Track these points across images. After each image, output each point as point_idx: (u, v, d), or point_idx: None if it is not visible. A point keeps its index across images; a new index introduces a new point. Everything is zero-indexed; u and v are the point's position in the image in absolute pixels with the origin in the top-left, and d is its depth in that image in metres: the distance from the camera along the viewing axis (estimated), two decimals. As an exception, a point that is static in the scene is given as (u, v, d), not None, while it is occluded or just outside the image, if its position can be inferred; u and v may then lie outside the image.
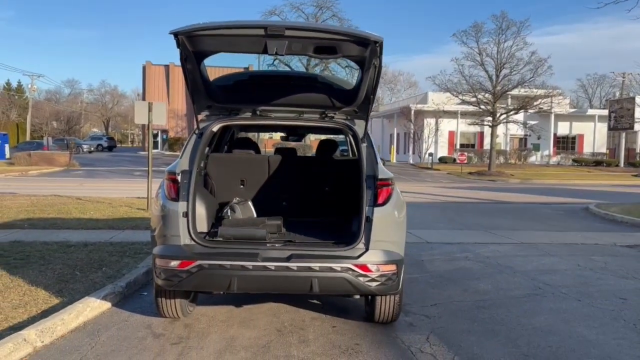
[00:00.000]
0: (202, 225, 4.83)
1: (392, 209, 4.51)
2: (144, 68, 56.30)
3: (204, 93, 4.85)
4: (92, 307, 5.22)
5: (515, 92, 37.59)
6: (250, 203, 5.43)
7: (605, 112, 47.56)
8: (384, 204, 4.47)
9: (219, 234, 4.61)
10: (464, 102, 37.74)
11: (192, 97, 4.75)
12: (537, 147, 47.22)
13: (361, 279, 4.29)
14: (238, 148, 6.04)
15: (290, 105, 5.00)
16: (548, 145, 46.60)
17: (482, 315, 5.50)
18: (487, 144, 43.07)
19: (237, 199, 5.45)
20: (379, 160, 4.68)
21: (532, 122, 39.22)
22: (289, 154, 6.07)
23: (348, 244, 4.40)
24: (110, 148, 62.69)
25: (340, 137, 7.29)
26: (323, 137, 7.70)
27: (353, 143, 5.68)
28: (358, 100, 4.82)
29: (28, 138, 62.55)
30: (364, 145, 4.75)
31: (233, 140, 6.70)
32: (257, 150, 6.37)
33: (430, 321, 5.27)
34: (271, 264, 4.25)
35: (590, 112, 50.28)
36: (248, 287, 4.43)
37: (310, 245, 4.52)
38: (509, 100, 39.39)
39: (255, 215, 5.39)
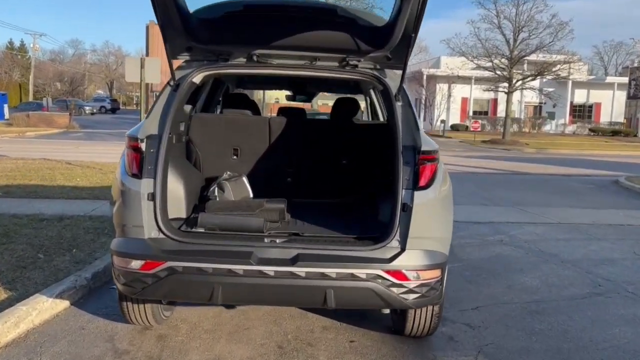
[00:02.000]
0: (180, 210, 3.64)
1: (438, 193, 3.29)
2: (147, 27, 54.76)
3: (180, 29, 3.54)
4: (41, 309, 4.06)
5: (532, 57, 35.89)
6: (244, 179, 4.20)
7: (625, 79, 45.68)
8: (427, 186, 3.24)
9: (199, 222, 3.40)
10: (478, 67, 36.08)
11: (164, 34, 3.46)
12: (552, 116, 45.62)
13: (394, 289, 3.10)
14: (231, 107, 4.75)
15: (299, 48, 3.69)
16: (564, 114, 44.95)
17: (539, 324, 4.32)
18: (500, 112, 41.49)
19: (229, 173, 4.22)
20: (420, 126, 3.42)
21: (549, 90, 37.58)
22: (296, 115, 4.80)
23: (377, 241, 3.21)
24: (113, 110, 61.38)
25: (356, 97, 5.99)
26: (332, 100, 6.41)
27: (381, 102, 4.43)
28: (393, 41, 3.51)
29: (31, 99, 61.18)
30: (398, 105, 3.49)
31: (228, 98, 5.38)
32: (256, 111, 5.12)
33: (474, 333, 4.10)
34: (270, 269, 3.06)
35: (609, 79, 48.35)
36: (237, 298, 3.27)
37: (324, 241, 3.31)
38: (525, 66, 37.75)
39: (251, 195, 4.17)
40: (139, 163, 3.28)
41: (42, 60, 75.06)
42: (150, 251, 3.13)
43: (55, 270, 4.97)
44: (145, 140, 3.32)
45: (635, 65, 48.28)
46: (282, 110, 5.10)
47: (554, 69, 35.03)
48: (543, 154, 27.95)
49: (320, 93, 7.75)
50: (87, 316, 4.20)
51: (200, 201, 4.03)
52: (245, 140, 4.48)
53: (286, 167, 4.55)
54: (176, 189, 3.64)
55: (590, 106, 46.97)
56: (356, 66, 3.69)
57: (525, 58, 35.32)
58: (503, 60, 34.16)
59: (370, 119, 6.71)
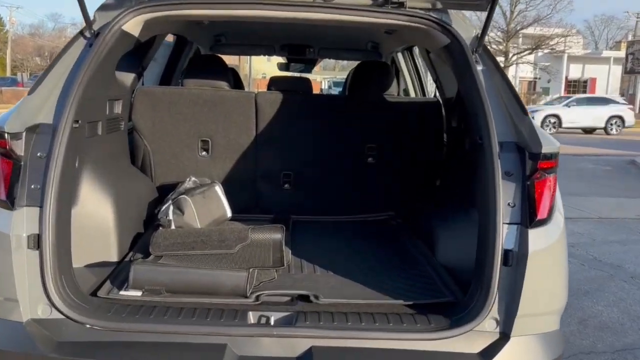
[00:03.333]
0: (107, 251, 2.20)
1: (562, 229, 1.84)
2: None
3: None
4: None
5: (529, 30, 34.66)
6: (218, 189, 2.72)
7: (621, 54, 44.47)
8: (548, 218, 1.78)
9: (130, 280, 1.92)
10: (473, 40, 34.78)
11: None
12: (546, 91, 44.46)
13: None
14: (197, 77, 3.13)
15: None
16: (559, 89, 43.75)
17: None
18: (495, 87, 40.25)
19: (193, 180, 2.74)
20: (526, 109, 1.94)
21: (545, 64, 36.46)
22: (296, 89, 3.24)
23: (453, 316, 1.77)
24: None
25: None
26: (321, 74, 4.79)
27: (437, 67, 2.97)
28: None
29: (8, 74, 58.78)
30: (480, 70, 2.01)
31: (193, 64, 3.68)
32: (237, 83, 3.60)
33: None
34: None
35: (605, 53, 47.14)
36: None
37: (356, 313, 1.86)
38: (521, 40, 36.53)
39: (227, 215, 2.69)
40: (8, 179, 1.77)
41: (21, 34, 72.52)
42: (30, 348, 1.65)
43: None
44: (23, 135, 1.80)
45: (631, 39, 47.17)
46: (276, 82, 3.36)
47: (551, 43, 34.02)
48: (542, 131, 26.77)
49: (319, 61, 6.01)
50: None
51: (147, 228, 2.56)
52: (220, 128, 2.97)
53: (282, 168, 3.06)
54: (100, 214, 2.17)
55: (585, 81, 45.77)
56: (402, 4, 2.15)
57: (521, 31, 34.16)
58: (499, 33, 33.07)
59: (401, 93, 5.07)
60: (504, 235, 1.77)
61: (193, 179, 2.75)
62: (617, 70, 44.32)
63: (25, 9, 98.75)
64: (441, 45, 2.23)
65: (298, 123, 3.04)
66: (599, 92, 44.94)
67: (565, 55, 40.37)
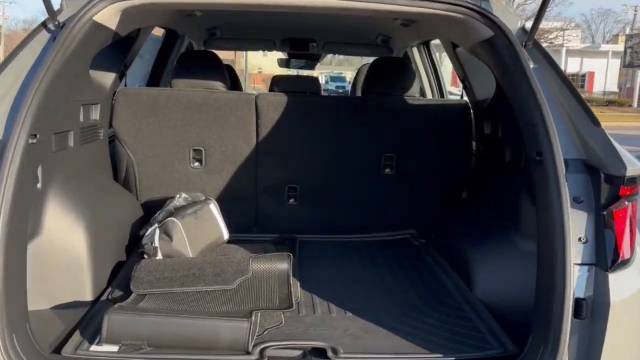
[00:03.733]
0: (80, 288, 1.82)
1: None
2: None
3: None
4: None
5: (528, 23, 34.25)
6: (213, 207, 2.35)
7: (619, 47, 44.13)
8: (632, 258, 1.41)
9: (103, 333, 1.54)
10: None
11: None
12: (545, 85, 44.09)
13: None
14: (187, 77, 2.75)
15: None
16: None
17: None
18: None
19: (184, 196, 2.36)
20: (597, 117, 1.57)
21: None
22: (302, 89, 2.85)
23: None
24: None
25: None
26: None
27: (471, 62, 2.61)
28: None
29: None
30: (532, 69, 1.64)
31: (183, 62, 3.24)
32: (234, 83, 3.22)
33: None
34: None
35: (604, 47, 46.80)
36: None
37: None
38: (519, 34, 36.16)
39: (224, 237, 2.32)
40: None
41: (15, 30, 71.79)
42: None
43: None
44: None
45: (629, 32, 46.85)
46: (279, 82, 2.95)
47: (551, 37, 33.58)
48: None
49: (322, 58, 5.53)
50: None
51: (131, 254, 2.19)
52: (215, 135, 2.59)
53: (287, 180, 2.68)
54: (69, 244, 1.81)
55: (584, 75, 45.42)
56: None
57: (520, 25, 33.78)
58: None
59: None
60: (575, 280, 1.40)
61: (184, 195, 2.38)
62: (615, 64, 43.99)
63: (19, 4, 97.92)
64: (480, 39, 1.85)
65: (305, 129, 2.65)
66: (597, 86, 44.70)
67: (564, 49, 39.96)
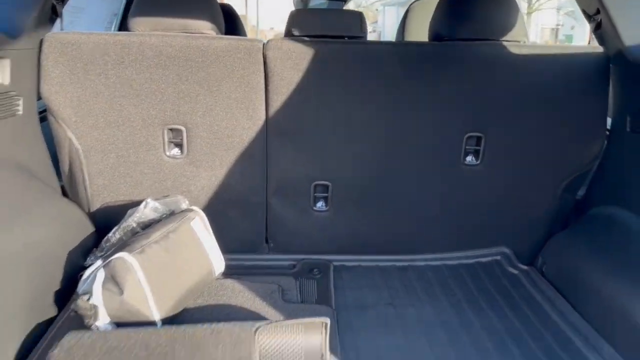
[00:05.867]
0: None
1: None
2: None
3: None
4: None
5: (554, -28, 32.64)
6: (197, 222, 1.49)
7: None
8: None
9: None
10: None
11: None
12: (569, 39, 42.44)
13: None
14: (156, 14, 1.80)
15: None
16: (583, 36, 41.80)
17: None
18: (516, 36, 38.56)
19: (152, 205, 1.50)
20: None
21: (570, 9, 34.55)
22: (337, 30, 1.84)
23: None
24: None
25: None
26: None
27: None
28: None
29: None
30: None
31: None
32: (231, 27, 2.36)
33: None
34: None
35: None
36: None
37: None
38: (544, -16, 34.58)
39: (215, 270, 1.49)
40: None
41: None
42: None
43: None
44: None
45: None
46: (300, 20, 1.89)
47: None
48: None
49: None
50: None
51: (68, 301, 1.37)
52: (203, 106, 1.70)
53: (313, 175, 1.79)
54: None
55: (612, 27, 43.76)
56: None
57: (546, -26, 32.15)
58: (521, -24, 31.15)
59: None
60: None
61: (151, 203, 1.53)
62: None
63: None
64: None
65: (342, 96, 1.74)
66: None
67: (592, -1, 38.34)
